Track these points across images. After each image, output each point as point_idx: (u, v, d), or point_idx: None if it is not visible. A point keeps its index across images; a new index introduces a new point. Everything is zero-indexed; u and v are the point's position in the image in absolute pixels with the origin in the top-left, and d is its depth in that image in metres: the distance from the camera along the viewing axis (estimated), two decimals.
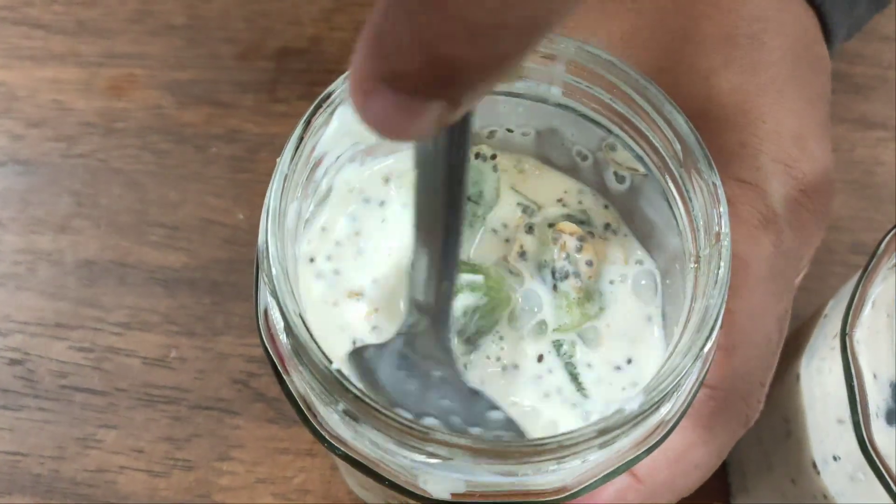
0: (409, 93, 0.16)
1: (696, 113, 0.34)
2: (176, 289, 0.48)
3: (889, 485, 0.30)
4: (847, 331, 0.31)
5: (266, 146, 0.51)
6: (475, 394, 0.30)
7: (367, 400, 0.26)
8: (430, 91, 0.16)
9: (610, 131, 0.32)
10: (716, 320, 0.29)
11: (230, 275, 0.48)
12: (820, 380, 0.34)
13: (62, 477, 0.44)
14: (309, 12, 0.55)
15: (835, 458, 0.33)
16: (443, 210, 0.24)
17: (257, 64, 0.54)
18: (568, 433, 0.27)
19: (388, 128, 0.17)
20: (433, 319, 0.28)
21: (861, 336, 0.32)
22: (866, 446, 0.30)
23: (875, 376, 0.33)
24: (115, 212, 0.49)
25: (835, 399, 0.33)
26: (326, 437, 0.29)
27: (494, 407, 0.30)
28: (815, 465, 0.34)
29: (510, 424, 0.30)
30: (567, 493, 0.30)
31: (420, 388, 0.29)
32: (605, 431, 0.27)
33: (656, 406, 0.28)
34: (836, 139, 0.52)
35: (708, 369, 0.31)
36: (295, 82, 0.53)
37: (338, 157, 0.32)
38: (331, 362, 0.26)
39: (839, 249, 0.50)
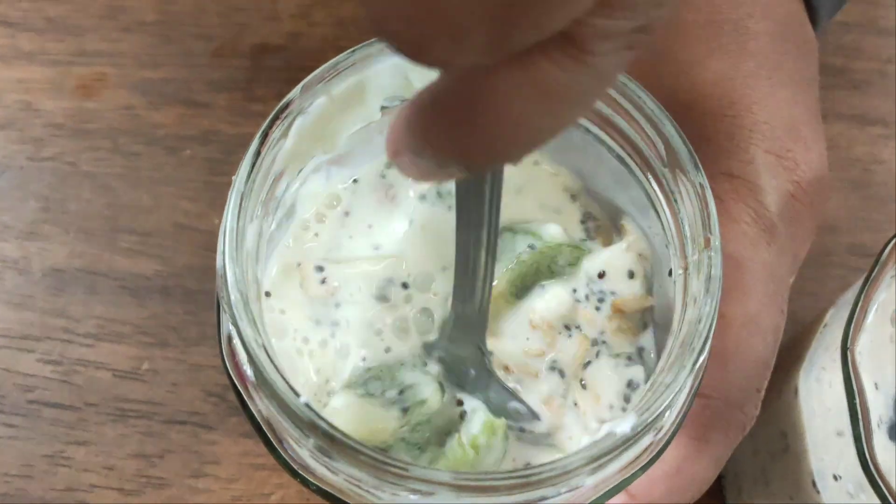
0: (432, 162, 0.20)
1: (682, 105, 0.32)
2: (148, 298, 0.46)
3: (889, 502, 0.28)
4: (848, 345, 0.29)
5: (242, 148, 0.48)
6: (503, 387, 0.30)
7: (339, 435, 0.24)
8: (447, 165, 0.20)
9: (588, 130, 0.30)
10: (708, 332, 0.27)
11: (205, 282, 0.46)
12: (820, 393, 0.33)
13: (30, 496, 0.43)
14: (287, 7, 0.53)
15: (835, 478, 0.31)
16: (484, 228, 0.25)
17: (233, 62, 0.52)
18: (556, 461, 0.25)
19: (409, 175, 0.21)
20: (472, 323, 0.29)
21: (863, 346, 0.31)
22: (867, 462, 0.28)
23: (877, 386, 0.31)
24: (85, 217, 0.47)
25: (835, 413, 0.31)
26: (299, 470, 0.27)
27: (521, 401, 0.30)
28: (814, 484, 0.33)
29: (529, 416, 0.30)
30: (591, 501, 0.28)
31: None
32: (596, 458, 0.25)
33: (649, 427, 0.26)
34: (833, 136, 0.50)
35: (701, 380, 0.29)
36: (272, 80, 0.51)
37: (300, 171, 0.30)
38: (298, 395, 0.24)
39: (837, 251, 0.48)
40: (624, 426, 0.25)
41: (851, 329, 0.29)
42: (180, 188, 0.48)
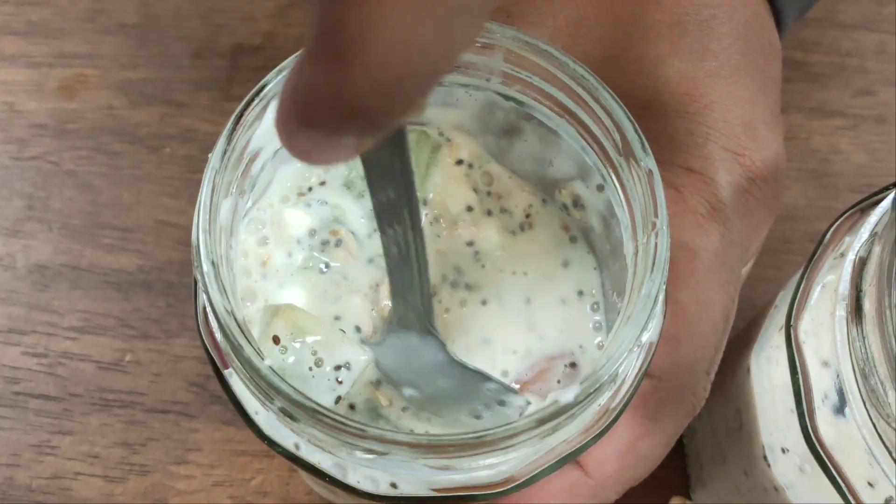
0: (325, 133, 0.18)
1: (645, 102, 0.34)
2: (130, 292, 0.47)
3: (833, 476, 0.30)
4: (791, 322, 0.31)
5: None
6: (469, 370, 0.31)
7: (299, 397, 0.25)
8: (344, 131, 0.18)
9: (550, 123, 0.32)
10: (652, 308, 0.28)
11: (185, 276, 0.48)
12: (769, 371, 0.34)
13: (17, 485, 0.44)
14: (264, 8, 0.55)
15: (783, 451, 0.33)
16: (405, 209, 0.25)
17: (211, 62, 0.53)
18: (505, 425, 0.26)
19: (312, 159, 0.20)
20: (418, 310, 0.29)
21: (809, 325, 0.32)
22: (811, 438, 0.30)
23: (826, 364, 0.33)
24: (68, 215, 0.49)
25: (783, 390, 0.33)
26: (269, 435, 0.29)
27: (488, 378, 0.31)
28: (765, 457, 0.34)
29: (506, 391, 0.31)
30: (514, 484, 0.29)
31: (425, 377, 0.31)
32: (542, 422, 0.27)
33: (593, 397, 0.28)
34: (792, 128, 0.52)
35: (651, 359, 0.30)
36: (250, 80, 0.52)
37: (276, 152, 0.31)
38: (263, 358, 0.26)
39: (796, 239, 0.50)
40: (568, 395, 0.27)
41: (794, 308, 0.31)
42: (161, 185, 0.50)
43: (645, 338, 0.29)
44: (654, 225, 0.29)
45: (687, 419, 0.33)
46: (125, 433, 0.45)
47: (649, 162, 0.29)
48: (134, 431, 0.45)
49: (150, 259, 0.48)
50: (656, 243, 0.29)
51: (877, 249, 0.27)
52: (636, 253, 0.30)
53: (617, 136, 0.30)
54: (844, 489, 0.29)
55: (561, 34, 0.35)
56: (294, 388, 0.26)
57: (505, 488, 0.29)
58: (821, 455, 0.30)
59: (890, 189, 0.30)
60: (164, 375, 0.46)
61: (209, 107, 0.52)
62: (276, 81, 0.30)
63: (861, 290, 0.27)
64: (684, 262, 0.32)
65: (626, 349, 0.27)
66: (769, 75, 0.37)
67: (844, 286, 0.28)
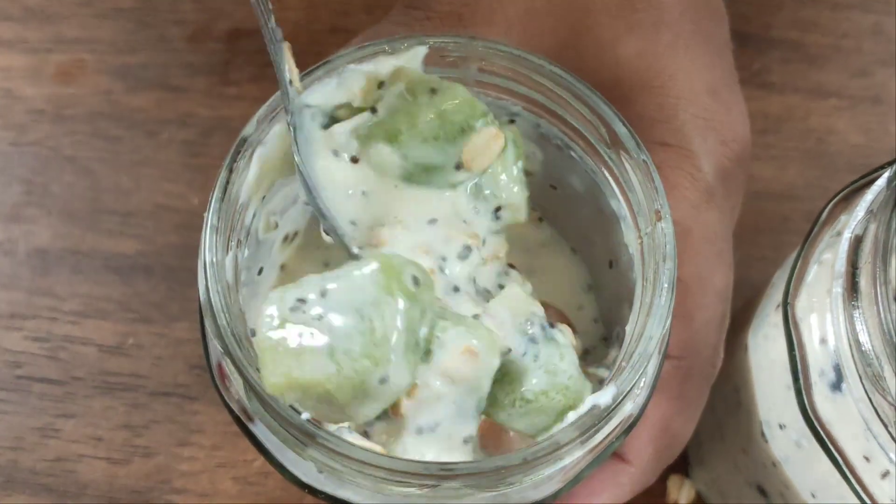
0: None
1: (608, 84, 0.34)
2: (131, 276, 0.48)
3: (830, 450, 0.30)
4: (788, 300, 0.31)
5: (219, 130, 0.51)
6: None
7: (333, 442, 0.26)
8: None
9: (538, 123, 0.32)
10: (670, 299, 0.29)
11: (185, 260, 0.48)
12: (766, 348, 0.34)
13: (21, 468, 0.44)
14: None
15: (780, 427, 0.34)
16: None
17: (208, 46, 0.53)
18: (548, 438, 0.27)
19: None
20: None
21: (807, 303, 0.33)
22: (808, 413, 0.30)
23: (823, 341, 0.33)
24: (67, 200, 0.49)
25: (781, 367, 0.33)
26: (309, 483, 0.29)
27: None
28: (763, 434, 0.35)
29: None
30: (561, 486, 0.30)
31: None
32: (585, 429, 0.27)
33: (627, 395, 0.28)
34: (790, 108, 0.52)
35: (667, 345, 0.31)
36: (247, 64, 0.53)
37: (263, 198, 0.31)
38: (300, 413, 0.26)
39: (794, 218, 0.50)
40: (606, 397, 0.27)
41: (791, 285, 0.31)
42: (159, 170, 0.50)
43: (667, 327, 0.29)
44: (658, 214, 0.29)
45: (708, 389, 0.34)
46: (128, 416, 0.45)
47: (642, 152, 0.29)
48: (137, 414, 0.45)
49: (149, 243, 0.48)
50: (664, 230, 0.29)
51: (872, 227, 0.28)
52: (640, 242, 0.30)
53: (604, 131, 0.30)
54: (841, 463, 0.30)
55: (513, 30, 0.35)
56: (336, 437, 0.26)
57: (546, 494, 0.30)
58: (817, 430, 0.30)
59: (885, 168, 0.30)
60: (165, 358, 0.46)
61: (206, 91, 0.52)
62: (255, 132, 0.30)
63: (857, 268, 0.28)
64: (679, 239, 0.33)
65: (655, 343, 0.28)
66: (722, 40, 0.37)
67: (840, 264, 0.28)
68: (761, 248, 0.48)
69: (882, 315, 0.26)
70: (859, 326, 0.27)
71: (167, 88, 0.52)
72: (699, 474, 0.44)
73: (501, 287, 0.32)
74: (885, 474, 0.31)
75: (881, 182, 0.29)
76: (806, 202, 0.50)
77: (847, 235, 0.29)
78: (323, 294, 0.26)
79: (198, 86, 0.52)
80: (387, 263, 0.27)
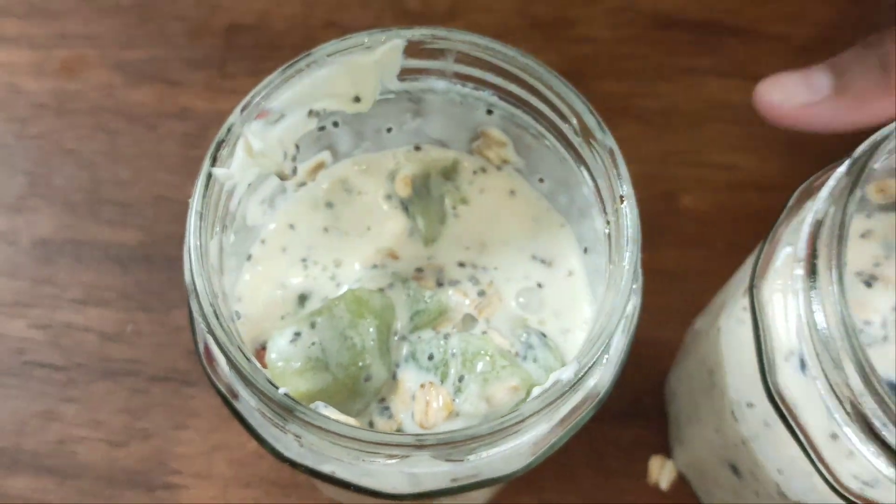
0: None
1: None
2: (131, 265, 0.49)
3: (791, 426, 0.31)
4: (754, 283, 0.32)
5: (216, 122, 0.50)
6: None
7: (309, 416, 0.27)
8: None
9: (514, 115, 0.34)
10: (632, 279, 0.30)
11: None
12: (737, 331, 0.35)
13: (24, 449, 0.46)
14: None
15: (749, 405, 0.35)
16: None
17: (206, 41, 0.54)
18: (514, 412, 0.28)
19: None
20: None
21: (777, 286, 0.33)
22: (772, 393, 0.32)
23: (788, 323, 0.33)
24: (69, 191, 0.50)
25: (749, 348, 0.34)
26: (290, 457, 0.31)
27: None
28: (733, 413, 0.36)
29: None
30: (534, 457, 0.31)
31: None
32: (548, 402, 0.28)
33: (590, 370, 0.29)
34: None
35: (637, 325, 0.32)
36: (244, 58, 0.54)
37: (249, 185, 0.33)
38: (277, 388, 0.28)
39: (776, 207, 0.51)
40: (568, 373, 0.28)
41: (757, 268, 0.32)
42: (159, 162, 0.51)
43: (630, 307, 0.30)
44: (621, 199, 0.30)
45: None
46: (127, 400, 0.47)
47: (608, 140, 0.30)
48: (136, 398, 0.47)
49: (149, 233, 0.50)
50: (627, 213, 0.30)
51: (831, 211, 0.29)
52: (608, 227, 0.32)
53: (574, 121, 0.31)
54: (803, 440, 0.31)
55: None
56: (312, 411, 0.27)
57: (519, 467, 0.31)
58: (780, 408, 0.31)
59: (846, 157, 0.31)
60: (164, 345, 0.48)
61: (205, 85, 0.53)
62: (240, 120, 0.31)
63: (816, 251, 0.28)
64: None
65: (615, 321, 0.29)
66: None
67: (802, 248, 0.29)
68: (743, 236, 0.49)
69: (835, 297, 0.27)
70: (816, 308, 0.28)
71: (166, 83, 0.53)
72: (680, 455, 0.45)
73: None
74: (851, 454, 0.32)
75: (842, 169, 0.30)
76: (787, 192, 0.51)
77: (808, 220, 0.30)
78: (313, 326, 0.33)
79: (196, 80, 0.53)
80: (356, 297, 0.34)
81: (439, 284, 0.37)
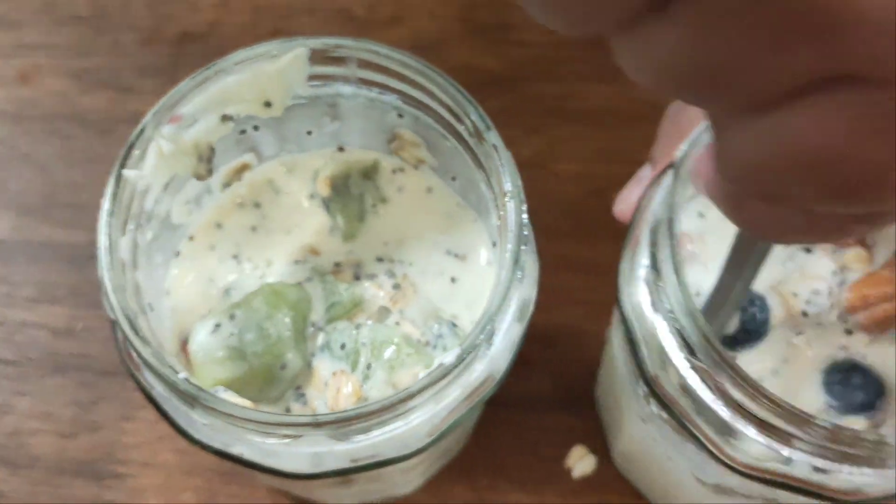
0: None
1: None
2: (82, 264, 0.51)
3: (675, 416, 0.33)
4: (619, 287, 0.34)
5: None
6: None
7: (209, 399, 0.29)
8: None
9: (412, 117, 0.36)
10: (514, 272, 0.31)
11: None
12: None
13: None
14: None
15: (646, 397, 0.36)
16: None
17: (158, 49, 0.56)
18: (396, 393, 0.30)
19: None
20: None
21: (637, 284, 0.35)
22: (648, 384, 0.33)
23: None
24: (25, 195, 0.53)
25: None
26: (199, 440, 0.33)
27: None
28: (640, 404, 0.38)
29: None
30: (431, 439, 0.33)
31: None
32: (431, 384, 0.30)
33: (474, 356, 0.31)
34: None
35: (531, 316, 0.34)
36: (194, 66, 0.55)
37: (166, 185, 0.35)
38: (177, 372, 0.30)
39: None
40: (450, 357, 0.30)
41: (620, 271, 0.34)
42: (111, 166, 0.53)
43: (515, 297, 0.32)
44: (504, 193, 0.32)
45: None
46: (77, 393, 0.49)
47: (492, 137, 0.32)
48: (85, 392, 0.49)
49: None
50: (512, 209, 0.32)
51: (662, 211, 0.31)
52: (499, 223, 0.34)
53: (468, 122, 0.33)
54: (683, 420, 0.33)
55: None
56: (211, 395, 0.29)
57: (416, 448, 0.33)
58: (660, 399, 0.33)
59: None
60: (112, 341, 0.49)
61: (156, 91, 0.54)
62: (152, 124, 0.33)
63: (655, 245, 0.30)
64: None
65: (493, 310, 0.31)
66: None
67: (645, 244, 0.31)
68: None
69: (661, 292, 0.29)
70: (664, 299, 0.30)
71: (119, 90, 0.55)
72: (613, 445, 0.47)
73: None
74: (734, 432, 0.34)
75: (670, 171, 0.32)
76: None
77: (649, 218, 0.32)
78: (232, 318, 0.35)
79: (148, 87, 0.55)
80: (272, 290, 0.36)
81: (356, 278, 0.39)
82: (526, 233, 0.33)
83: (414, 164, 0.40)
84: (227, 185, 0.39)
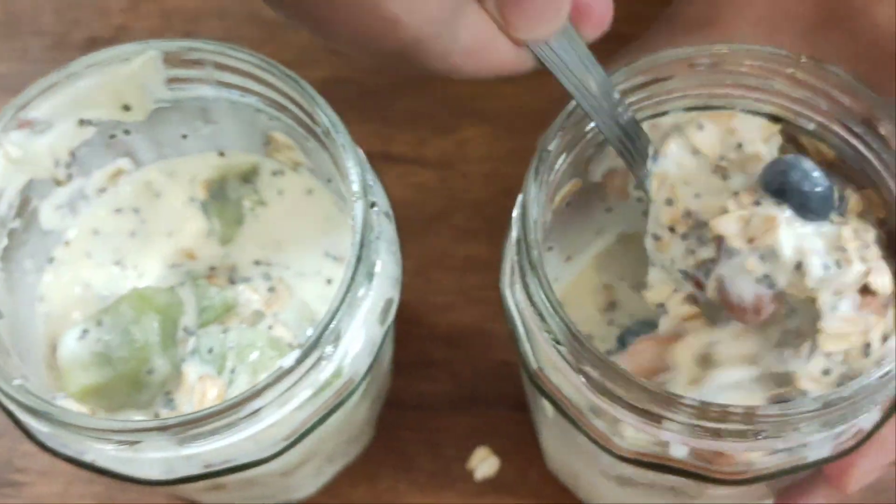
0: None
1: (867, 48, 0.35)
2: None
3: (552, 398, 0.33)
4: (501, 280, 0.34)
5: None
6: None
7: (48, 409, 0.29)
8: None
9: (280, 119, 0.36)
10: (357, 271, 0.31)
11: None
12: None
13: None
14: (117, 2, 0.58)
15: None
16: None
17: (66, 54, 0.55)
18: (237, 396, 0.30)
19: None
20: None
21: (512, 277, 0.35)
22: (529, 375, 0.33)
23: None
24: None
25: None
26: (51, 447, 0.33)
27: None
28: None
29: None
30: (284, 445, 0.33)
31: None
32: (269, 386, 0.30)
33: (314, 356, 0.31)
34: None
35: (393, 322, 0.34)
36: None
37: (22, 191, 0.35)
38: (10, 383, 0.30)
39: None
40: (289, 360, 0.30)
41: (502, 265, 0.34)
42: None
43: (361, 293, 0.32)
44: (353, 194, 0.32)
45: None
46: None
47: (340, 137, 0.32)
48: None
49: None
50: (360, 208, 0.32)
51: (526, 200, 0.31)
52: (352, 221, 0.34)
53: (320, 121, 0.33)
54: (568, 413, 0.32)
55: (761, 24, 0.37)
56: (48, 402, 0.30)
57: (273, 452, 0.32)
58: (541, 389, 0.33)
59: None
60: None
61: None
62: (5, 122, 0.33)
63: (521, 238, 0.31)
64: None
65: (334, 311, 0.31)
66: None
67: (514, 236, 0.31)
68: None
69: (531, 279, 0.29)
70: (533, 290, 0.30)
71: None
72: (542, 449, 0.46)
73: None
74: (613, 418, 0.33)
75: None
76: None
77: (516, 213, 0.32)
78: (99, 323, 0.35)
79: None
80: (139, 295, 0.36)
81: (232, 282, 0.38)
82: (381, 233, 0.33)
83: (292, 166, 0.40)
84: (102, 190, 0.39)
